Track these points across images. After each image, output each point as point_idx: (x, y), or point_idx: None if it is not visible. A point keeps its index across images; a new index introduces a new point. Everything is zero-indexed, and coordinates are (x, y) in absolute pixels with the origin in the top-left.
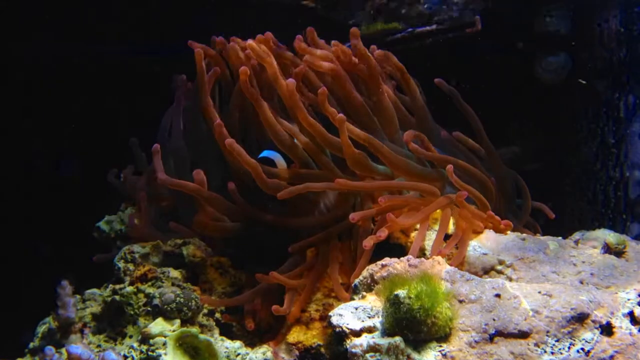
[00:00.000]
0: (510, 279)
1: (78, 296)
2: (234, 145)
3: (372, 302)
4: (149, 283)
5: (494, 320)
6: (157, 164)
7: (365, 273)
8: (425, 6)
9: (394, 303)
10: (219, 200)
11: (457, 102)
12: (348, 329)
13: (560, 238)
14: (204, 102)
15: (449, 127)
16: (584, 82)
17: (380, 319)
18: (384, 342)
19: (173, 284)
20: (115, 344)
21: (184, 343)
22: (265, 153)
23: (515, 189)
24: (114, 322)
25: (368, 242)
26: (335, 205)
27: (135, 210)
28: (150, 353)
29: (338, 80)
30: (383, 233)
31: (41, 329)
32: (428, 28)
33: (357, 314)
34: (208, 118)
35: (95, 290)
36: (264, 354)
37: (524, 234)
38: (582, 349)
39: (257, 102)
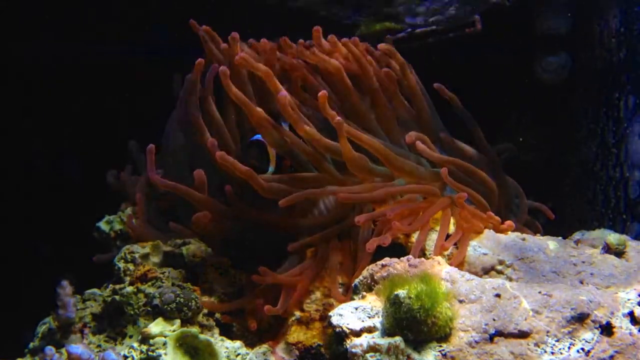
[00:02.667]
0: (510, 279)
1: (78, 296)
2: (225, 157)
3: (372, 302)
4: (149, 283)
5: (494, 320)
6: (149, 164)
7: (365, 273)
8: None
9: (394, 303)
10: (212, 203)
11: (457, 107)
12: (348, 329)
13: (560, 238)
14: (193, 114)
15: (449, 127)
16: None
17: (380, 319)
18: (384, 342)
19: (173, 284)
20: (115, 344)
21: (184, 343)
22: (258, 136)
23: (514, 190)
24: (114, 322)
25: (371, 245)
26: (335, 206)
27: (135, 211)
28: (150, 353)
29: (339, 79)
30: (386, 239)
31: (41, 329)
32: (428, 28)
33: (357, 314)
34: (198, 129)
35: (95, 290)
36: (264, 354)
37: (524, 234)
38: (582, 349)
39: (245, 104)
